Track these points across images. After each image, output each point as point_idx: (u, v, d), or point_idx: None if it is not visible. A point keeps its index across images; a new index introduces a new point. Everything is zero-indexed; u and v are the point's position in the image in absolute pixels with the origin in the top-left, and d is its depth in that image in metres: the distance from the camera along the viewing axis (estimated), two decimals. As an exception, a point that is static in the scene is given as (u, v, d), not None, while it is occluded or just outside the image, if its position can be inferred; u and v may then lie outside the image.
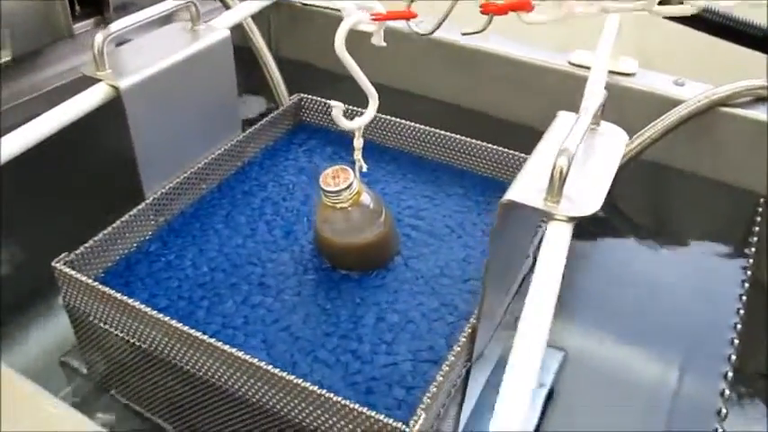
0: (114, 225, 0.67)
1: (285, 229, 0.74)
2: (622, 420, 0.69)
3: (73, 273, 0.60)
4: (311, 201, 0.78)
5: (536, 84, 0.94)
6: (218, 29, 0.75)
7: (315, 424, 0.53)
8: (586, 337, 0.82)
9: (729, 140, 0.81)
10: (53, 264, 0.61)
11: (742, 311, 0.65)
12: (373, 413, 0.50)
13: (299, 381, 0.52)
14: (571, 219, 0.49)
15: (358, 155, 0.67)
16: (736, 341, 0.62)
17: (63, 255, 0.62)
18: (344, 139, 0.89)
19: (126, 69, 0.66)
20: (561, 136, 0.58)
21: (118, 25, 0.65)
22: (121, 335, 0.61)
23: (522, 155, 0.81)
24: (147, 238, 0.71)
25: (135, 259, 0.69)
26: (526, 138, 1.02)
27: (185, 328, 0.55)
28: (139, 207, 0.69)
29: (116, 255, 0.68)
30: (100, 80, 0.65)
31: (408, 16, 0.56)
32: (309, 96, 0.90)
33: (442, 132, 0.83)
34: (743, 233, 0.79)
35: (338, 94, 0.91)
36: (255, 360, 0.53)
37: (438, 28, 0.55)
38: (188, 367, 0.58)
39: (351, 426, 0.51)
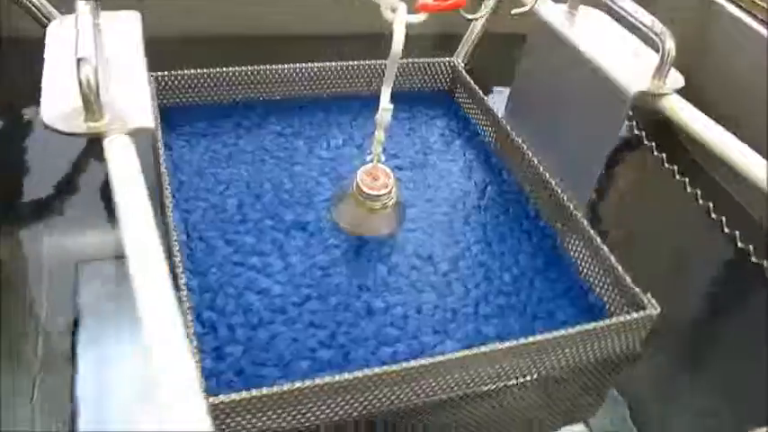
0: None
1: (300, 227, 0.63)
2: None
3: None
4: (277, 183, 0.67)
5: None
6: (121, 13, 0.53)
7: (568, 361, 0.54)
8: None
9: None
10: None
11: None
12: (617, 319, 0.54)
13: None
14: (676, 90, 0.59)
15: (378, 148, 0.61)
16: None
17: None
18: (223, 108, 0.76)
19: (116, 104, 0.44)
20: (587, 26, 0.65)
21: (88, 52, 0.41)
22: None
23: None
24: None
25: (218, 343, 0.52)
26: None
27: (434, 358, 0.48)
28: (184, 283, 0.51)
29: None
30: (98, 134, 0.42)
31: (459, 5, 0.52)
32: (166, 73, 0.71)
33: (334, 64, 0.78)
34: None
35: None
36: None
37: (487, 14, 0.53)
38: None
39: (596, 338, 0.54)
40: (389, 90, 0.57)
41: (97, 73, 0.41)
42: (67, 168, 0.78)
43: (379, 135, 0.60)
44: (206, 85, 0.74)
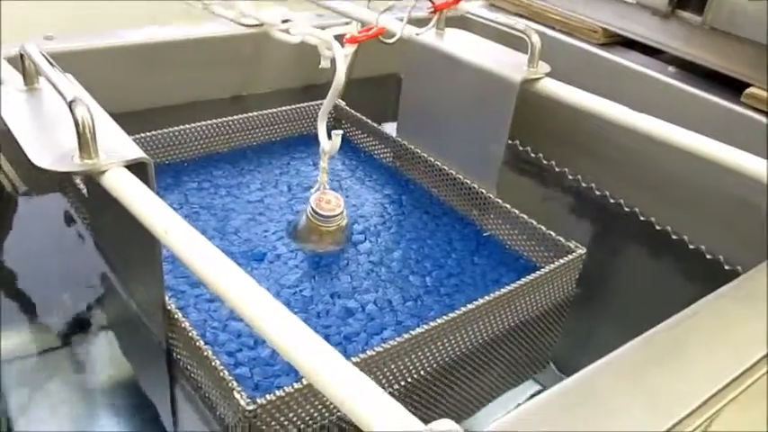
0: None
1: (257, 258, 0.66)
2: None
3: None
4: (219, 228, 0.70)
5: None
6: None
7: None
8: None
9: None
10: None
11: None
12: (559, 261, 0.64)
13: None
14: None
15: (324, 176, 0.67)
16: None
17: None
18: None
19: (104, 142, 0.45)
20: (458, 40, 0.76)
21: (77, 94, 0.42)
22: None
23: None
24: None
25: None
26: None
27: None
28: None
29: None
30: (96, 171, 0.43)
31: (380, 32, 0.58)
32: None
33: (238, 117, 0.82)
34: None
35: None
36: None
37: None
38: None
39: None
40: (325, 121, 0.63)
41: (90, 111, 0.43)
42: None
43: (324, 163, 0.66)
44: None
